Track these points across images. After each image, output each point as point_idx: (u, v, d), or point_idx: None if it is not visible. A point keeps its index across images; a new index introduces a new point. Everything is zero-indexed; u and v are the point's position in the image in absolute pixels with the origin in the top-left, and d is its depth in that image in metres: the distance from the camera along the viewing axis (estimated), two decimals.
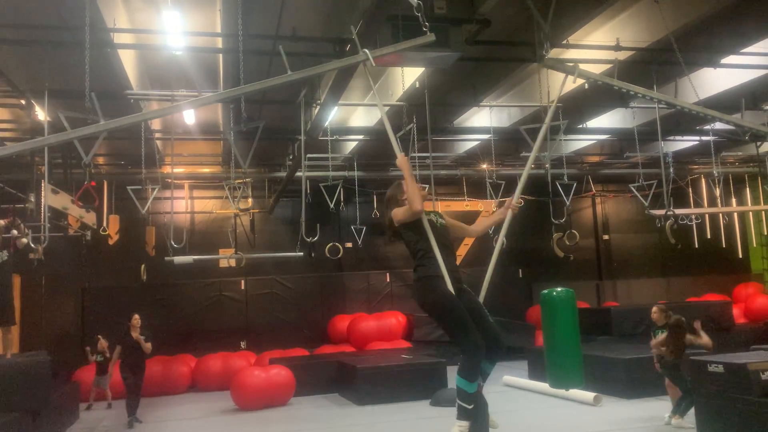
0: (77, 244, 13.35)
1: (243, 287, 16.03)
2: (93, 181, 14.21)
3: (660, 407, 9.14)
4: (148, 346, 9.89)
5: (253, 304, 16.01)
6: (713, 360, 6.84)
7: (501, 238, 5.35)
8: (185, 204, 15.22)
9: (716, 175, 12.80)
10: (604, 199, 18.90)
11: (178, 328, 14.76)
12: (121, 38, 7.43)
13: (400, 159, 4.90)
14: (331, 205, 12.33)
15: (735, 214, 16.86)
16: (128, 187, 9.56)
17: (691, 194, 16.72)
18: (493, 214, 5.24)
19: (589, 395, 9.85)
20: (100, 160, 13.94)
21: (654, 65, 8.38)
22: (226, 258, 11.97)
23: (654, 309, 8.68)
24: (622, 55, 8.56)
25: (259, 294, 16.06)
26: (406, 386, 10.83)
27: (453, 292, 4.61)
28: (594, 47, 8.39)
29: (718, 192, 15.09)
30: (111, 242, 13.86)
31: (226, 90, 5.46)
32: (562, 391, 10.54)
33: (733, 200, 17.07)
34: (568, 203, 10.29)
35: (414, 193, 4.73)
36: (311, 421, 9.82)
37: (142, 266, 12.38)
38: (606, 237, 18.99)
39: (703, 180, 16.03)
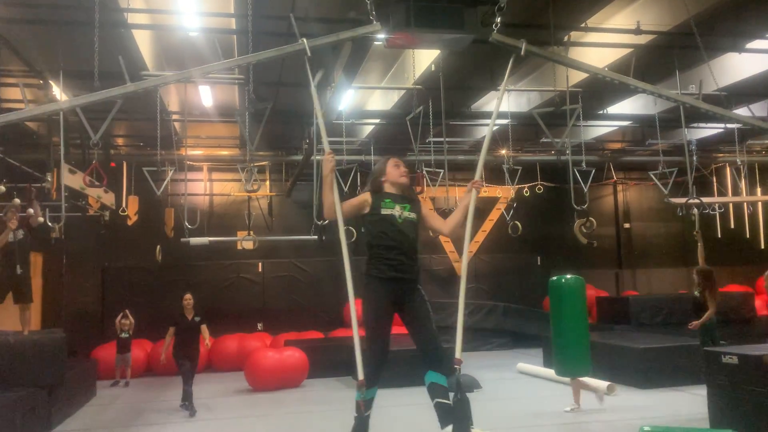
0: (97, 224, 13.51)
1: (260, 270, 16.13)
2: (113, 162, 14.47)
3: (675, 397, 9.04)
4: (206, 336, 9.09)
5: (270, 286, 16.11)
6: (727, 351, 6.71)
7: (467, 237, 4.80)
8: (203, 186, 15.30)
9: (739, 163, 12.52)
10: (626, 187, 18.62)
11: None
12: (135, 18, 7.44)
13: (327, 158, 4.64)
14: (345, 189, 12.28)
15: (759, 204, 16.48)
16: (144, 169, 9.61)
17: (715, 183, 16.38)
18: (460, 202, 4.89)
19: (603, 384, 9.76)
20: (119, 141, 14.06)
21: (676, 50, 8.15)
22: (240, 240, 11.99)
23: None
24: (643, 39, 8.36)
25: (276, 277, 16.15)
26: (418, 370, 10.78)
27: (382, 297, 4.50)
28: (613, 30, 8.20)
29: (742, 181, 14.80)
30: (130, 223, 14.02)
31: (228, 60, 5.42)
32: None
33: (758, 189, 16.72)
34: (586, 190, 10.13)
35: (330, 202, 4.60)
36: (323, 402, 9.87)
37: (158, 247, 12.47)
38: (627, 225, 18.74)
39: (728, 169, 15.67)
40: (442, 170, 10.80)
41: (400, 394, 10.10)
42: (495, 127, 13.78)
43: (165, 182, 9.59)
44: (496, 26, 5.46)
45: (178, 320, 8.99)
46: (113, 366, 12.16)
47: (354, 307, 4.51)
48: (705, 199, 13.33)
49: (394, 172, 4.71)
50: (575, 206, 9.94)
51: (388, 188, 4.64)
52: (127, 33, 7.56)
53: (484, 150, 5.12)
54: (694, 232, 9.28)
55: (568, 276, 5.70)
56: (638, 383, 9.92)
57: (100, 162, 13.99)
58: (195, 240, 11.57)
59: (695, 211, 9.81)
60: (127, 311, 12.27)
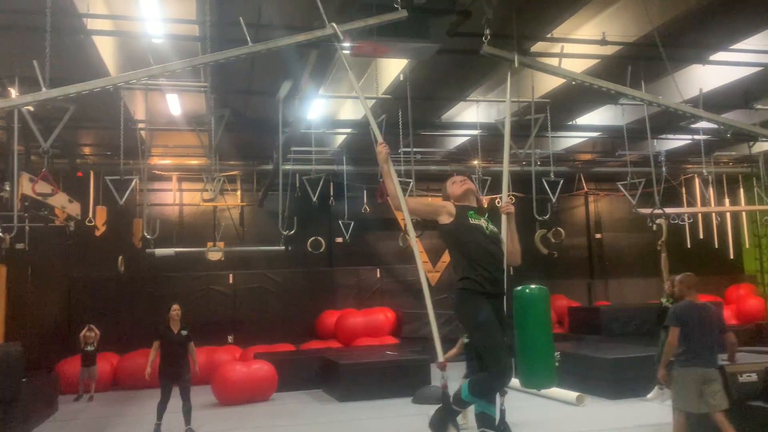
0: (64, 235, 13.21)
1: (231, 281, 15.93)
2: (79, 172, 14.20)
3: (643, 408, 9.05)
4: (194, 358, 8.44)
5: (241, 298, 15.90)
6: None
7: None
8: (173, 196, 15.07)
9: (705, 174, 12.66)
10: (597, 198, 18.76)
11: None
12: (95, 25, 7.30)
13: (379, 149, 4.47)
14: (314, 199, 12.17)
15: (728, 215, 16.71)
16: (107, 178, 9.40)
17: (684, 194, 16.57)
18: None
19: (572, 395, 9.75)
20: (86, 150, 13.79)
21: (641, 61, 8.21)
22: (207, 251, 11.81)
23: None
24: (609, 50, 8.41)
25: (247, 288, 15.95)
26: (389, 383, 10.71)
27: (485, 304, 4.19)
28: (579, 41, 8.24)
29: (710, 192, 14.98)
30: (98, 233, 13.72)
31: (182, 60, 5.32)
32: (546, 390, 10.45)
33: (727, 200, 16.95)
34: (554, 200, 10.16)
35: (391, 190, 4.41)
36: (291, 416, 9.71)
37: (120, 258, 12.19)
38: (598, 235, 18.86)
39: (696, 180, 15.87)
40: (411, 181, 10.70)
41: (376, 407, 10.01)
42: (466, 138, 13.81)
43: (127, 192, 9.36)
44: (486, 38, 5.43)
45: (163, 333, 8.28)
46: (77, 380, 11.87)
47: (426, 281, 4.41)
48: (671, 210, 13.46)
49: (453, 188, 4.54)
50: (537, 216, 9.95)
51: (465, 202, 4.46)
52: (87, 40, 7.40)
53: (506, 168, 4.96)
54: (658, 243, 9.33)
55: (533, 286, 5.60)
56: (607, 394, 9.92)
57: (67, 172, 13.83)
58: (160, 251, 11.35)
59: (661, 221, 9.85)
60: (91, 325, 12.02)
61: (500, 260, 4.27)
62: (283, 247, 9.23)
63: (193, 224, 15.96)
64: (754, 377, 6.16)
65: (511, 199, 4.68)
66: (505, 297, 4.35)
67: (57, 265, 14.65)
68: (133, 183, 9.36)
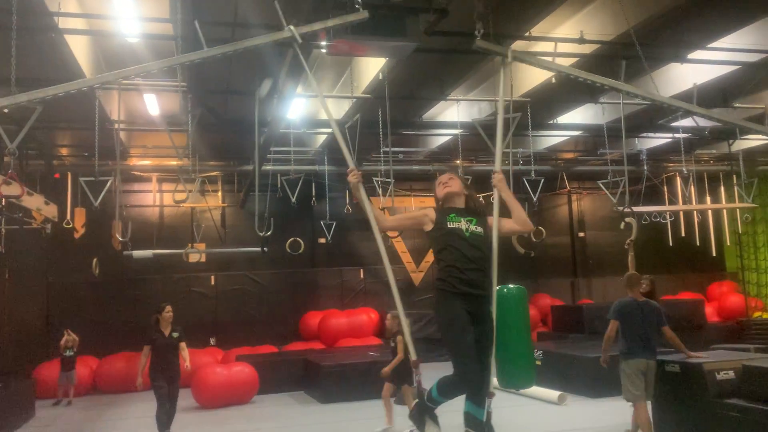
0: (40, 238, 13.01)
1: (213, 283, 15.80)
2: (57, 173, 14.00)
3: (624, 406, 9.04)
4: (186, 356, 8.09)
5: (223, 300, 15.77)
6: (670, 360, 6.72)
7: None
8: (152, 197, 14.90)
9: (685, 172, 12.71)
10: (580, 196, 18.81)
11: (146, 324, 14.42)
12: (68, 23, 7.17)
13: (350, 177, 4.40)
14: (293, 200, 12.06)
15: (710, 213, 16.80)
16: (81, 179, 9.25)
17: (666, 192, 16.63)
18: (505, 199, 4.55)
19: (553, 394, 9.74)
20: (64, 151, 13.59)
21: (620, 60, 8.18)
22: (184, 252, 11.67)
23: (388, 316, 8.73)
24: (588, 49, 8.40)
25: (229, 290, 15.83)
26: (370, 384, 10.63)
27: (458, 307, 4.06)
28: (557, 39, 8.21)
29: (690, 190, 15.04)
30: (77, 236, 13.53)
31: (149, 63, 5.26)
32: (527, 390, 10.44)
33: (708, 198, 17.04)
34: (535, 199, 10.14)
35: (370, 216, 4.37)
36: (271, 419, 9.62)
37: (95, 260, 12.01)
38: (581, 234, 18.90)
39: (678, 178, 15.92)
40: (393, 180, 10.63)
41: (357, 408, 9.95)
42: (448, 138, 13.78)
43: (102, 193, 9.21)
44: (479, 32, 5.35)
45: (153, 336, 7.91)
46: (56, 384, 11.70)
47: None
48: (650, 208, 13.48)
49: (437, 191, 4.46)
50: None
51: (449, 204, 4.37)
52: (59, 38, 7.27)
53: (499, 139, 5.01)
54: (626, 243, 9.35)
55: (511, 285, 5.58)
56: (589, 392, 9.93)
57: (44, 173, 13.62)
58: (138, 253, 11.20)
59: (630, 220, 9.82)
60: (68, 329, 11.88)
61: (480, 261, 4.21)
62: (260, 249, 9.07)
63: (174, 226, 15.78)
64: (731, 375, 6.16)
65: (500, 172, 4.58)
66: (488, 298, 4.26)
67: (35, 268, 14.42)
68: (108, 184, 9.18)
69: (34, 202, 10.48)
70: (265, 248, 8.85)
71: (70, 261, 14.53)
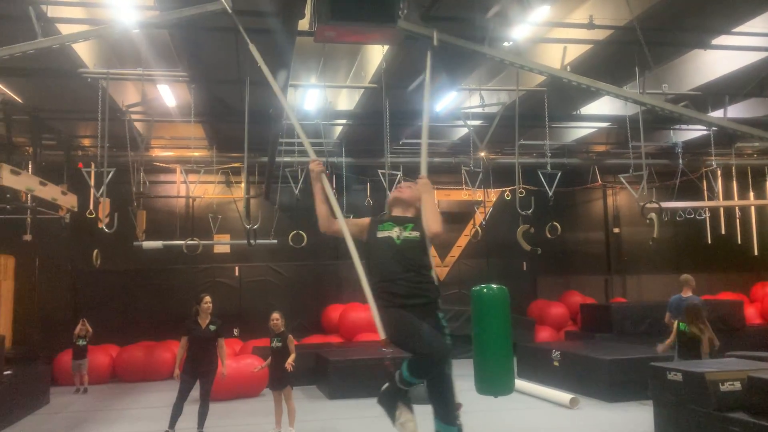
0: (69, 227, 13.22)
1: (237, 274, 15.82)
2: (80, 163, 14.19)
3: (638, 412, 8.58)
4: (224, 358, 7.92)
5: (247, 291, 15.78)
6: (672, 368, 6.28)
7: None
8: (177, 188, 14.98)
9: (714, 166, 11.99)
10: (615, 191, 18.08)
11: (171, 313, 14.52)
12: (62, 12, 7.15)
13: (311, 165, 4.35)
14: (296, 192, 11.90)
15: (752, 209, 15.87)
16: (83, 170, 9.30)
17: (705, 187, 15.78)
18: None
19: (565, 397, 9.33)
20: (86, 142, 13.78)
21: (635, 47, 7.68)
22: (184, 244, 11.66)
23: (275, 315, 8.25)
24: (601, 35, 7.93)
25: (253, 281, 15.83)
26: (379, 381, 10.39)
27: (403, 311, 3.90)
28: (566, 25, 7.79)
29: (731, 184, 14.25)
30: (101, 225, 13.71)
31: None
32: (540, 392, 10.07)
33: (751, 194, 16.11)
34: (551, 194, 9.69)
35: (319, 212, 4.27)
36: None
37: (95, 252, 12.05)
38: (616, 230, 18.18)
39: (718, 172, 15.08)
40: (399, 173, 10.35)
41: (363, 405, 9.75)
42: (471, 128, 13.38)
43: (105, 182, 9.24)
44: (402, 12, 5.04)
45: (190, 328, 7.66)
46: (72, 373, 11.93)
47: None
48: (679, 204, 12.76)
49: (391, 195, 4.34)
50: (519, 211, 9.48)
51: (394, 212, 4.23)
52: (56, 28, 7.26)
53: (424, 142, 4.80)
54: (650, 240, 8.81)
55: (493, 286, 5.23)
56: (604, 396, 9.48)
57: (55, 162, 13.83)
58: (148, 243, 11.27)
59: (653, 216, 9.26)
60: (84, 319, 12.06)
61: (412, 267, 3.94)
62: (254, 242, 8.94)
63: (200, 216, 15.86)
64: (737, 386, 5.69)
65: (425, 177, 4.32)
66: (434, 303, 4.01)
67: (64, 257, 14.71)
68: (110, 175, 9.20)
69: (50, 192, 10.62)
70: (252, 241, 8.70)
71: (98, 250, 14.75)
